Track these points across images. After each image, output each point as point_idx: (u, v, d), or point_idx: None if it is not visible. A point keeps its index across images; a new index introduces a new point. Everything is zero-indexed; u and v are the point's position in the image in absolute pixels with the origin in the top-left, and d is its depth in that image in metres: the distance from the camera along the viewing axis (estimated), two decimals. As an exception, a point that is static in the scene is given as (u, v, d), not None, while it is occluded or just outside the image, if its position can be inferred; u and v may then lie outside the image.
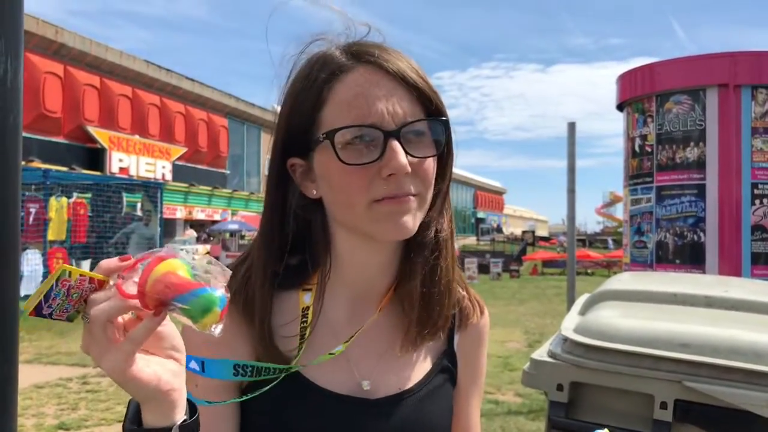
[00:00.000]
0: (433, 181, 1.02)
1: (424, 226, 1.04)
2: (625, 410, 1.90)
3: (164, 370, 0.79)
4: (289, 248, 1.07)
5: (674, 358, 1.79)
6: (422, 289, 1.07)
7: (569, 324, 2.08)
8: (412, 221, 0.99)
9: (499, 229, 77.47)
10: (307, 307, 1.05)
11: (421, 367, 1.12)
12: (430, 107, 1.01)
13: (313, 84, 1.00)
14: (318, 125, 0.99)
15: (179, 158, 31.20)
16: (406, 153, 0.95)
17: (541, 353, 2.03)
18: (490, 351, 9.35)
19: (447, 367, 1.15)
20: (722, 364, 1.74)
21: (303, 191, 1.04)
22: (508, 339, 12.14)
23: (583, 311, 2.27)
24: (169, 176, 30.11)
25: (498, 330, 13.59)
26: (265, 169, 39.79)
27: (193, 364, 0.89)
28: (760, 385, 1.71)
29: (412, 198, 0.97)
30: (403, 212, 0.97)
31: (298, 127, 1.01)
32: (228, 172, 36.71)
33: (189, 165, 32.41)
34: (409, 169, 0.95)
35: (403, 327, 1.10)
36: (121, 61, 28.11)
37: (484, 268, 30.59)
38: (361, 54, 1.00)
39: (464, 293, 1.19)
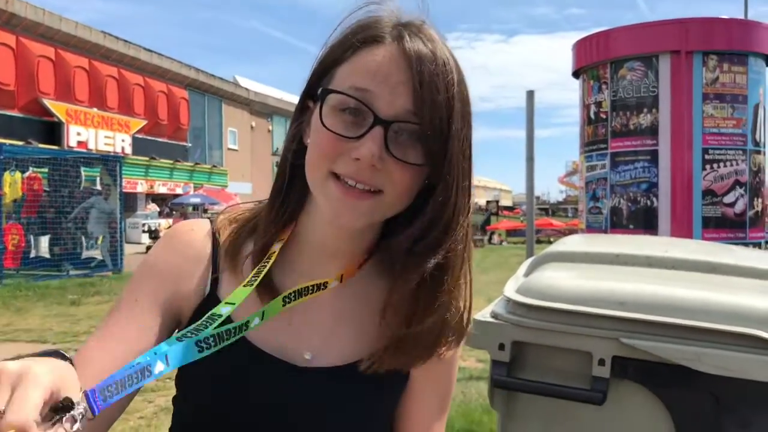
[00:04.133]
0: (411, 192, 0.97)
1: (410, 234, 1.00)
2: (565, 368, 1.93)
3: None
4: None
5: (611, 316, 1.82)
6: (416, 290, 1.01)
7: (512, 285, 2.10)
8: (354, 218, 0.95)
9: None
10: (273, 253, 1.03)
11: (373, 346, 1.05)
12: (451, 116, 0.94)
13: (348, 39, 0.97)
14: (330, 78, 0.97)
15: (139, 131, 30.72)
16: (387, 149, 0.91)
17: (484, 314, 2.06)
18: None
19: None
20: (656, 320, 1.78)
21: (302, 134, 1.04)
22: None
23: (527, 273, 2.30)
24: (129, 149, 29.63)
25: (461, 298, 13.71)
26: (227, 142, 39.40)
27: (159, 366, 0.79)
28: (691, 339, 1.75)
29: (367, 195, 0.93)
30: (349, 206, 0.94)
31: (318, 73, 1.00)
32: (189, 144, 36.22)
33: (149, 138, 31.93)
34: (377, 164, 0.91)
35: (369, 300, 1.08)
36: (76, 32, 27.41)
37: (448, 238, 30.77)
38: (402, 33, 0.95)
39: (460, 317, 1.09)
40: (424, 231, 0.98)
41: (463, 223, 1.00)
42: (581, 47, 6.35)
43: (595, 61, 6.12)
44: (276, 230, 1.04)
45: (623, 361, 1.84)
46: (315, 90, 0.99)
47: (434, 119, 0.92)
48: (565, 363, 1.93)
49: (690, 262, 2.25)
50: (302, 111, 1.04)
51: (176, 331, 1.04)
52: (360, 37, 0.96)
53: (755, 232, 5.81)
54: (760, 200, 5.88)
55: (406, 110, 0.92)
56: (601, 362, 1.84)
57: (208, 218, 1.12)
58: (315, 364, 1.04)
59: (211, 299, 1.03)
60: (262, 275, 0.99)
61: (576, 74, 6.51)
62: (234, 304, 0.94)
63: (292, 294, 1.01)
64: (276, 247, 1.03)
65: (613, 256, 2.33)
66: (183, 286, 1.04)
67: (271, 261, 1.01)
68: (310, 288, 1.03)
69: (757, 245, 5.81)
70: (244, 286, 0.97)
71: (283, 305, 1.00)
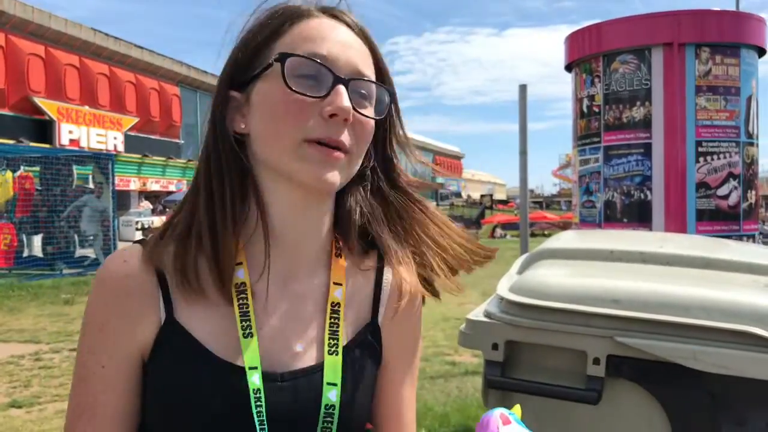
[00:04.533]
0: (367, 147, 1.01)
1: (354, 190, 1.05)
2: (560, 367, 1.91)
3: None
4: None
5: (605, 314, 1.80)
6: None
7: (505, 283, 2.08)
8: (337, 176, 0.95)
9: (457, 194, 78.02)
10: (242, 284, 0.98)
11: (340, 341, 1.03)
12: (382, 75, 1.03)
13: (275, 20, 0.98)
14: (268, 54, 0.96)
15: (131, 128, 30.62)
16: (351, 103, 0.94)
17: (476, 313, 2.03)
18: (448, 313, 9.44)
19: (367, 341, 1.07)
20: (651, 318, 1.76)
21: (232, 126, 1.00)
22: (465, 301, 12.26)
23: (521, 270, 2.28)
24: (121, 147, 29.54)
25: (456, 293, 13.71)
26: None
27: None
28: (687, 337, 1.73)
29: (342, 155, 0.95)
30: (330, 166, 0.94)
31: (246, 58, 0.98)
32: (182, 141, 36.14)
33: (141, 135, 31.84)
34: (351, 117, 0.93)
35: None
36: (66, 30, 27.27)
37: (443, 233, 30.85)
38: (329, 8, 1.01)
39: (411, 272, 1.11)
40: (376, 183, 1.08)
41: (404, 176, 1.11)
42: (573, 41, 6.32)
43: (587, 54, 6.09)
44: (228, 232, 0.97)
45: (618, 359, 1.82)
46: (242, 77, 0.98)
47: (381, 75, 1.02)
48: (559, 362, 1.92)
49: (684, 257, 2.23)
50: (225, 103, 1.00)
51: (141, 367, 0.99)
52: (286, 16, 0.98)
53: (749, 224, 5.80)
54: (753, 192, 5.87)
55: (359, 69, 0.97)
56: (596, 361, 1.83)
57: (140, 240, 1.06)
58: (286, 367, 0.99)
59: (170, 325, 0.97)
60: (252, 319, 0.97)
61: (568, 68, 6.48)
62: (257, 367, 0.95)
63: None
64: (240, 275, 0.99)
65: (607, 252, 2.31)
66: (137, 326, 0.97)
67: (249, 294, 0.98)
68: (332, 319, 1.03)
69: (751, 237, 5.80)
70: (245, 337, 0.95)
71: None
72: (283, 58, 0.93)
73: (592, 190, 6.06)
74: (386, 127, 1.06)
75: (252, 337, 0.96)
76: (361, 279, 1.10)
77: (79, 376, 0.99)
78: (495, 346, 1.93)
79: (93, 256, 16.89)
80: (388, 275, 1.11)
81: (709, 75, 5.58)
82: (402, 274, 1.10)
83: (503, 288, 2.03)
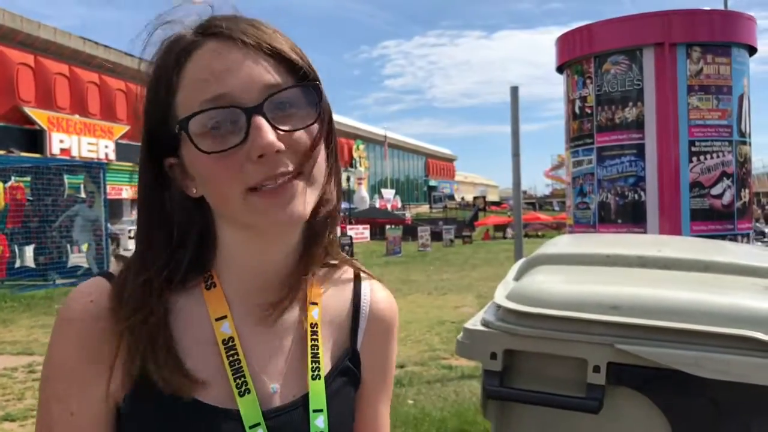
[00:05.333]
0: (321, 152, 0.92)
1: (322, 202, 0.96)
2: (559, 375, 1.88)
3: None
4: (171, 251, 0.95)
5: (605, 321, 1.77)
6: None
7: (502, 291, 2.05)
8: (302, 205, 0.88)
9: (450, 197, 78.14)
10: (230, 338, 0.94)
11: (321, 366, 1.01)
12: (298, 71, 0.90)
13: (163, 71, 0.89)
14: (174, 115, 0.88)
15: (122, 137, 30.54)
16: (275, 128, 0.85)
17: (474, 322, 2.00)
18: (444, 317, 9.43)
19: (348, 369, 1.05)
20: (651, 324, 1.73)
21: (185, 190, 0.93)
22: (461, 304, 12.27)
23: (518, 277, 2.24)
24: (112, 156, 29.47)
25: (451, 296, 13.74)
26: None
27: None
28: (688, 343, 1.70)
29: (294, 181, 0.87)
30: (283, 203, 0.86)
31: (158, 122, 0.90)
32: (174, 148, 35.99)
33: (133, 143, 31.68)
34: (282, 146, 0.84)
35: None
36: (55, 39, 27.21)
37: (436, 236, 30.95)
38: (208, 27, 0.89)
39: (361, 273, 1.11)
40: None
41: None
42: (564, 42, 6.31)
43: (578, 55, 6.08)
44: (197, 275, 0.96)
45: (619, 367, 1.79)
46: (169, 143, 0.91)
47: (292, 74, 0.89)
48: (559, 371, 1.88)
49: (683, 261, 2.20)
50: (159, 177, 0.94)
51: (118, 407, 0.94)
52: (170, 62, 0.89)
53: (743, 223, 5.80)
54: (747, 191, 5.87)
55: (265, 84, 0.86)
56: (596, 369, 1.79)
57: (106, 273, 0.99)
58: (278, 401, 0.96)
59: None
60: (247, 375, 0.93)
61: (560, 69, 6.47)
62: (259, 423, 0.91)
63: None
64: (226, 329, 0.95)
65: (604, 257, 2.28)
66: (109, 372, 0.92)
67: (239, 349, 0.94)
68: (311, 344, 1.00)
69: (746, 236, 5.79)
70: (241, 396, 0.92)
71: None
72: (183, 125, 0.85)
73: (585, 192, 6.05)
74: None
75: (249, 393, 0.92)
76: (337, 298, 1.07)
77: (43, 423, 0.94)
78: (493, 356, 1.90)
79: (86, 265, 16.81)
80: (365, 297, 1.09)
81: (701, 74, 5.58)
82: (378, 292, 1.11)
83: (500, 296, 1.99)
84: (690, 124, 5.59)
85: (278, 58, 0.88)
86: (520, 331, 1.87)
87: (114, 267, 0.99)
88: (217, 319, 0.95)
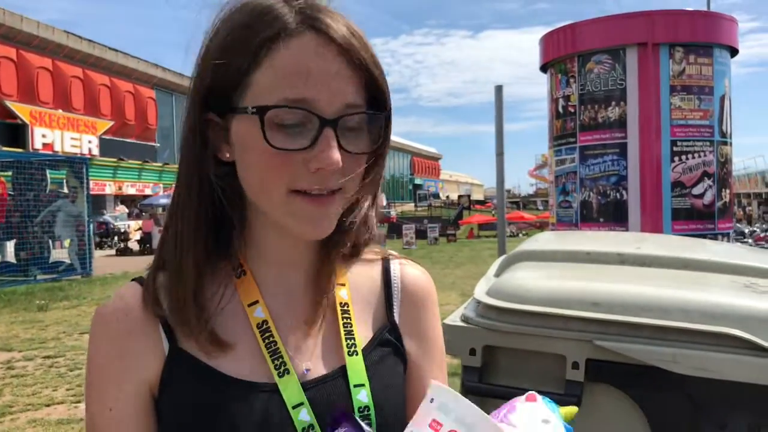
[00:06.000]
0: (362, 176, 0.92)
1: (347, 213, 0.95)
2: (539, 372, 1.88)
3: None
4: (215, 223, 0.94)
5: (584, 318, 1.78)
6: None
7: (483, 287, 2.05)
8: (329, 222, 0.89)
9: (435, 195, 78.28)
10: (264, 321, 0.94)
11: (357, 341, 0.98)
12: (375, 94, 0.89)
13: (250, 39, 0.85)
14: (245, 88, 0.86)
15: (106, 132, 30.31)
16: (340, 147, 0.84)
17: (454, 318, 2.00)
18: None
19: (388, 341, 1.02)
20: (630, 321, 1.74)
21: (215, 151, 0.92)
22: (444, 302, 12.28)
23: (498, 273, 2.25)
24: (96, 151, 29.24)
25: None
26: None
27: None
28: (666, 340, 1.71)
29: (335, 197, 0.88)
30: (320, 216, 0.87)
31: (223, 84, 0.88)
32: (158, 145, 35.84)
33: (117, 139, 31.54)
34: (341, 165, 0.84)
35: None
36: (38, 32, 26.94)
37: (421, 234, 30.96)
38: (312, 18, 0.86)
39: (395, 256, 1.10)
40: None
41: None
42: (548, 41, 6.33)
43: (562, 54, 6.11)
44: (189, 280, 0.93)
45: (597, 363, 1.79)
46: (221, 103, 0.89)
47: (375, 100, 0.89)
48: (538, 367, 1.89)
49: (662, 258, 2.21)
50: (206, 123, 0.92)
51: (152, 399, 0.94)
52: (263, 35, 0.85)
53: (723, 222, 5.85)
54: (727, 191, 5.92)
55: (347, 102, 0.85)
56: (575, 365, 1.80)
57: (138, 278, 1.00)
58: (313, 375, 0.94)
59: (175, 353, 0.93)
60: (285, 356, 0.92)
61: (544, 68, 6.49)
62: (302, 403, 0.89)
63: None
64: (259, 313, 0.95)
65: (584, 254, 2.28)
66: (141, 364, 0.93)
67: (275, 331, 0.93)
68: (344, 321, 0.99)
69: (726, 236, 5.84)
70: (281, 376, 0.90)
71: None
72: (261, 111, 0.84)
73: (568, 191, 6.07)
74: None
75: (289, 373, 0.91)
76: (366, 277, 1.06)
77: (91, 427, 0.95)
78: (473, 352, 1.90)
79: (68, 261, 16.68)
80: (395, 272, 1.07)
81: (683, 74, 5.62)
82: (409, 267, 1.09)
83: (480, 292, 1.99)
84: (672, 123, 5.63)
85: (365, 74, 0.88)
86: (500, 327, 1.86)
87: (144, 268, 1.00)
88: (250, 305, 0.95)
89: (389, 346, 1.01)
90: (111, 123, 30.43)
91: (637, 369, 1.75)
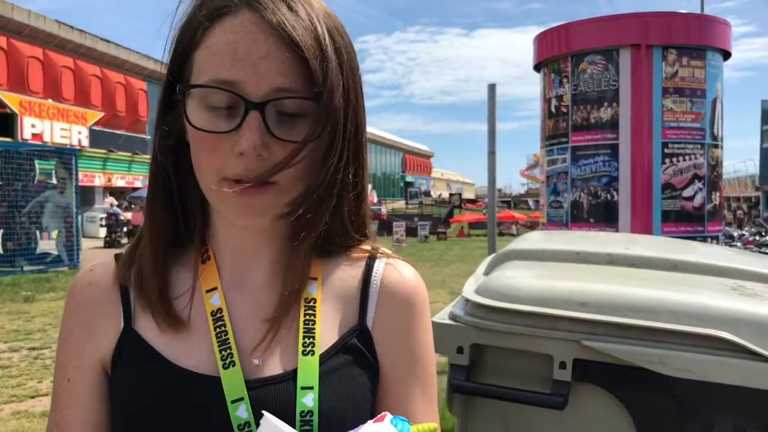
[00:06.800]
0: (308, 170, 0.85)
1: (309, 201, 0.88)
2: (526, 371, 1.87)
3: None
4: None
5: (572, 317, 1.77)
6: None
7: (471, 285, 2.04)
8: (258, 214, 0.85)
9: (427, 193, 78.31)
10: (219, 310, 0.91)
11: (317, 342, 0.91)
12: (323, 80, 0.83)
13: (193, 18, 0.85)
14: (190, 67, 0.86)
15: (96, 123, 30.12)
16: (269, 131, 0.81)
17: (441, 316, 1.99)
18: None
19: (354, 347, 0.93)
20: (618, 321, 1.73)
21: (184, 135, 0.90)
22: (433, 300, 12.25)
23: (487, 272, 2.24)
24: (86, 142, 29.06)
25: (423, 292, 13.73)
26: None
27: None
28: (654, 341, 1.71)
29: (258, 189, 0.83)
30: (249, 207, 0.84)
31: (174, 64, 0.88)
32: (148, 137, 35.68)
33: (107, 130, 31.36)
34: (263, 153, 0.81)
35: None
36: (29, 21, 26.77)
37: (412, 231, 30.99)
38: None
39: (382, 251, 1.02)
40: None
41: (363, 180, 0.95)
42: (542, 41, 6.33)
43: (555, 54, 6.11)
44: (155, 261, 0.94)
45: (585, 363, 1.78)
46: (178, 82, 0.88)
47: (312, 86, 0.82)
48: (525, 366, 1.88)
49: (652, 259, 2.21)
50: (172, 105, 0.91)
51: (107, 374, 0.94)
52: (206, 12, 0.84)
53: (713, 225, 5.86)
54: (717, 194, 5.93)
55: (277, 85, 0.81)
56: (562, 365, 1.79)
57: (117, 254, 1.00)
58: (262, 373, 0.89)
59: (128, 332, 0.92)
60: (234, 347, 0.89)
61: (537, 68, 6.49)
62: (242, 398, 0.86)
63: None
64: (215, 301, 0.92)
65: (573, 253, 2.28)
66: (97, 338, 0.94)
67: (227, 321, 0.91)
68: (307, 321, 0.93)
69: (715, 239, 5.86)
70: (225, 368, 0.87)
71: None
72: (184, 91, 0.84)
73: (559, 191, 6.08)
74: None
75: (234, 366, 0.87)
76: (346, 275, 0.98)
77: (52, 393, 0.97)
78: (460, 350, 1.88)
79: (55, 252, 16.58)
80: (377, 271, 0.98)
81: (676, 77, 5.63)
82: (396, 267, 1.00)
83: (469, 290, 1.98)
84: (664, 125, 5.65)
85: (302, 60, 0.82)
86: (488, 325, 1.86)
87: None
88: (208, 291, 0.93)
89: (354, 354, 0.93)
90: (101, 114, 30.27)
91: (624, 370, 1.74)
